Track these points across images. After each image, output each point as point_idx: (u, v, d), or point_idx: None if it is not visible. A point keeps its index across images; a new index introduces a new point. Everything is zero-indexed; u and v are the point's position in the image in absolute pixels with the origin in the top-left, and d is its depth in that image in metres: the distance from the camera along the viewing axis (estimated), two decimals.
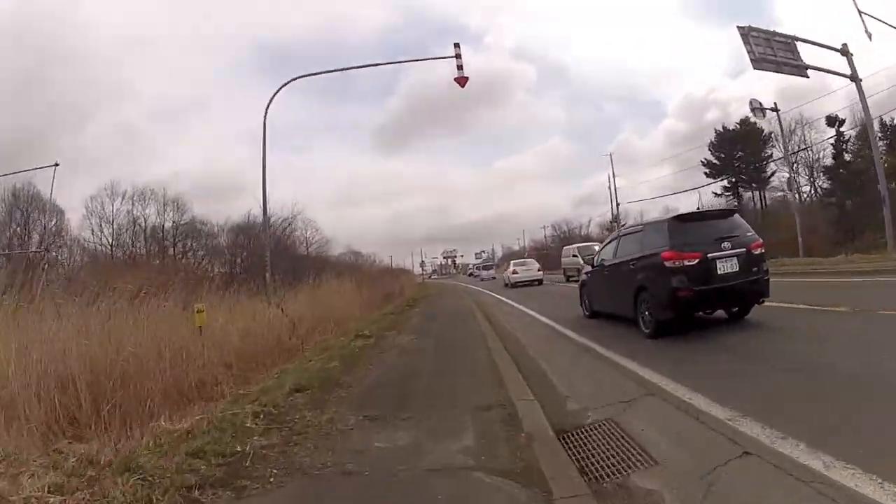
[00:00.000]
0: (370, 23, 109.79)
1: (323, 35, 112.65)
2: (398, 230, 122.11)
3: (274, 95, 14.40)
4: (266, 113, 14.38)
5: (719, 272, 7.20)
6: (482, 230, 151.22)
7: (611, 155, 57.39)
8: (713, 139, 47.16)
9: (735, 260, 7.26)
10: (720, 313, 8.13)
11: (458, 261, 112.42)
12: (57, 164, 25.01)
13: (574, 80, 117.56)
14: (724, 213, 8.55)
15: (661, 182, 74.23)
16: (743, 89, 78.49)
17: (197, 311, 8.52)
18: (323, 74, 16.52)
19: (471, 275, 75.08)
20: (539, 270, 29.89)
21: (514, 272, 29.80)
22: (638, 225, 9.68)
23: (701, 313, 7.90)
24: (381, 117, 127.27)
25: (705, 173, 47.08)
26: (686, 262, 7.16)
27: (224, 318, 9.94)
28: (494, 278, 47.22)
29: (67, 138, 60.89)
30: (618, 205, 48.12)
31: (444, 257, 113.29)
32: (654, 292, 7.55)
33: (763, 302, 7.65)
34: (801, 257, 25.98)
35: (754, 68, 21.04)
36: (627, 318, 8.31)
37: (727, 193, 47.00)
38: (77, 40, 68.29)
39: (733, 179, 45.87)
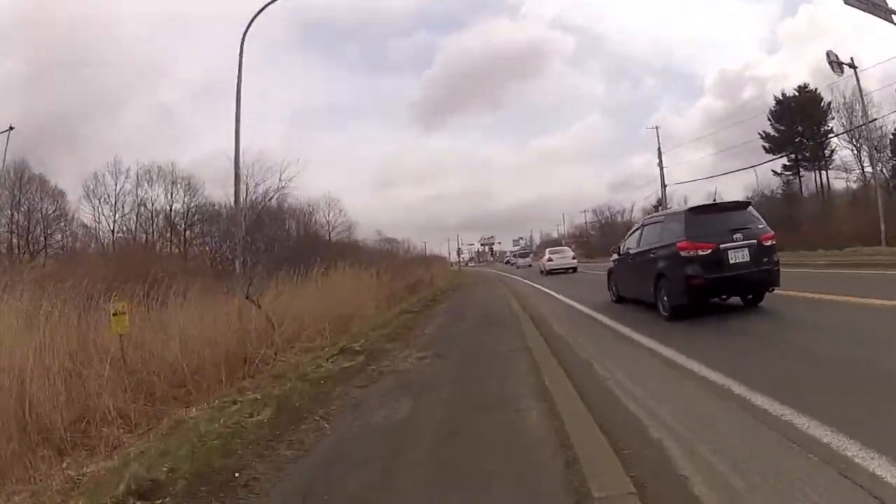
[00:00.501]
0: None
1: (356, 7, 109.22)
2: (434, 215, 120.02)
3: (252, 20, 11.95)
4: (243, 40, 11.94)
5: (731, 262, 7.58)
6: (520, 216, 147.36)
7: (656, 128, 44.46)
8: (773, 107, 41.16)
9: (746, 250, 7.62)
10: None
11: (495, 248, 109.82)
12: (11, 128, 23.13)
13: (611, 54, 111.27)
14: (739, 205, 8.82)
15: (701, 162, 68.93)
16: (779, 67, 71.77)
17: (113, 315, 6.19)
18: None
19: (507, 262, 73.30)
20: (573, 258, 30.19)
21: (550, 260, 29.94)
22: (659, 215, 10.28)
23: (717, 299, 8.17)
24: (416, 95, 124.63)
25: (764, 147, 41.30)
26: (700, 252, 7.61)
27: (183, 320, 7.69)
28: (530, 266, 47.57)
29: (92, 122, 60.10)
30: (664, 185, 42.26)
31: (482, 244, 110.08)
32: (671, 279, 7.98)
33: (773, 290, 7.97)
34: (884, 246, 22.28)
35: (844, 3, 18.86)
36: (649, 302, 8.73)
37: (787, 172, 41.59)
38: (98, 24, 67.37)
39: (794, 156, 40.47)
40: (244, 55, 11.88)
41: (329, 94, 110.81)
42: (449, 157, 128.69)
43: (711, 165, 68.13)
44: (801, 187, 41.04)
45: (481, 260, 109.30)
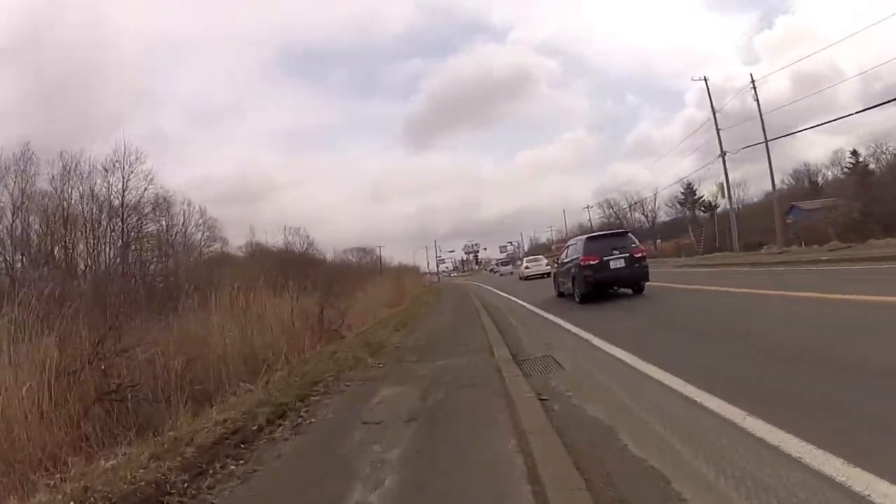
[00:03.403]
0: (397, 21, 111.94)
1: (348, 34, 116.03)
2: (423, 226, 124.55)
3: None
4: None
5: (612, 267, 13.51)
6: (508, 224, 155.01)
7: (705, 79, 36.48)
8: None
9: (622, 260, 13.56)
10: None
11: (480, 255, 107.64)
12: None
13: (595, 72, 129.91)
14: (621, 233, 15.51)
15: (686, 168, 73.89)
16: (757, 77, 77.96)
17: None
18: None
19: (492, 271, 77.52)
20: (547, 265, 37.61)
21: (527, 267, 38.65)
22: (575, 239, 16.92)
23: (611, 290, 14.10)
24: (406, 115, 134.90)
25: None
26: (591, 262, 13.65)
27: None
28: (512, 273, 56.27)
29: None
30: (722, 153, 34.74)
31: (466, 252, 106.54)
32: (577, 279, 14.26)
33: (643, 284, 13.80)
34: None
35: None
36: (570, 294, 15.00)
37: None
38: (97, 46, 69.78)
39: None
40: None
41: (320, 115, 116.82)
42: (438, 171, 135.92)
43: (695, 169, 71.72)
44: None
45: (465, 269, 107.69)
